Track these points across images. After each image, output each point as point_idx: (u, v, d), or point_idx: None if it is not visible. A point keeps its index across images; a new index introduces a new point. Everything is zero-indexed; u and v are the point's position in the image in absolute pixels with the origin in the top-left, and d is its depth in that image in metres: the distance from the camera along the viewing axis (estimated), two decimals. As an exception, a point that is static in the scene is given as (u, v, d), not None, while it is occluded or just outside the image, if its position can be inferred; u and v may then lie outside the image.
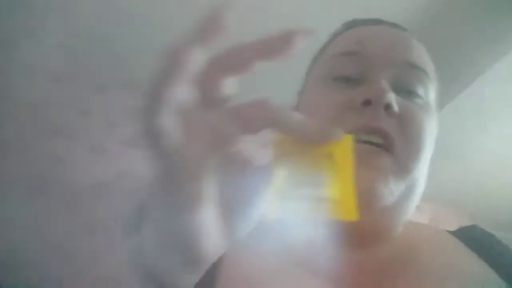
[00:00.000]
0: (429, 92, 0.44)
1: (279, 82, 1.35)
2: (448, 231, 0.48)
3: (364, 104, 0.38)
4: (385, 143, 0.38)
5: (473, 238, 0.45)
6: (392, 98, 0.38)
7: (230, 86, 0.22)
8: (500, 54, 1.42)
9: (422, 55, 0.45)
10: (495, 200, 2.42)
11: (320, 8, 1.47)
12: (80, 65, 1.82)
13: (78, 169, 1.71)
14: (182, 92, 0.20)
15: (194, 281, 0.25)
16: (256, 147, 0.27)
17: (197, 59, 0.20)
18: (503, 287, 0.38)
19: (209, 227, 0.23)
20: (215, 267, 0.41)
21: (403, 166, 0.39)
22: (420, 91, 0.43)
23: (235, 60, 0.22)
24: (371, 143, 0.37)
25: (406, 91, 0.42)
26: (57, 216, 1.59)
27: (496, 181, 2.23)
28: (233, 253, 0.42)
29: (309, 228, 0.43)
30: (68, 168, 1.69)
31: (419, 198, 0.45)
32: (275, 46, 0.21)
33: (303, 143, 0.25)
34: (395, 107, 0.38)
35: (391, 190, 0.38)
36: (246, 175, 0.24)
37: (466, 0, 1.39)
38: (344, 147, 0.26)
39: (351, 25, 0.50)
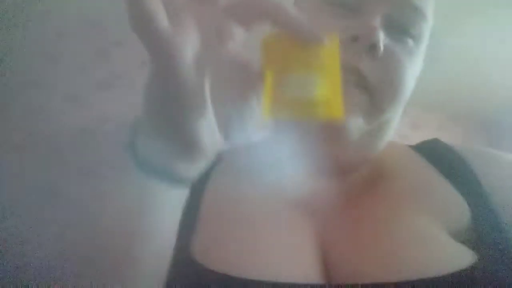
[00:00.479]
0: (423, 32, 0.42)
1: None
2: (411, 146, 0.50)
3: (351, 39, 0.37)
4: (360, 82, 0.38)
5: (434, 153, 0.46)
6: (379, 38, 0.37)
7: None
8: None
9: None
10: (473, 99, 2.49)
11: None
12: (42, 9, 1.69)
13: (57, 119, 1.68)
14: None
15: (190, 172, 0.27)
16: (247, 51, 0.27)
17: None
18: (459, 201, 0.39)
19: (207, 125, 0.24)
20: (202, 184, 0.44)
21: (377, 106, 0.40)
22: (413, 32, 0.41)
23: None
24: (347, 80, 0.36)
25: (399, 31, 0.40)
26: (44, 170, 1.59)
27: (471, 80, 2.28)
28: (220, 173, 0.46)
29: (287, 158, 0.44)
30: (47, 120, 1.65)
31: (392, 134, 0.46)
32: None
33: (293, 43, 0.26)
34: (380, 49, 0.37)
35: (360, 127, 0.39)
36: (241, 77, 0.25)
37: None
38: (332, 49, 0.27)
39: None
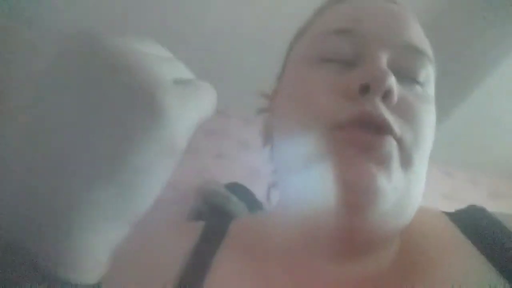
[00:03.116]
0: (430, 79, 0.39)
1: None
2: (447, 214, 0.42)
3: (361, 90, 0.33)
4: (384, 129, 0.32)
5: (473, 225, 0.38)
6: (393, 82, 0.33)
7: None
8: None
9: (423, 36, 0.40)
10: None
11: None
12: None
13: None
14: None
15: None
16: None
17: None
18: (500, 284, 0.32)
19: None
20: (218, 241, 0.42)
21: (407, 153, 0.33)
22: (421, 77, 0.37)
23: None
24: (368, 131, 0.32)
25: (405, 77, 0.36)
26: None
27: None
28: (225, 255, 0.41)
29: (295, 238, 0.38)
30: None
31: (419, 201, 0.38)
32: None
33: None
34: (395, 94, 0.33)
35: (396, 184, 0.32)
36: None
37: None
38: None
39: None
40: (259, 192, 1.53)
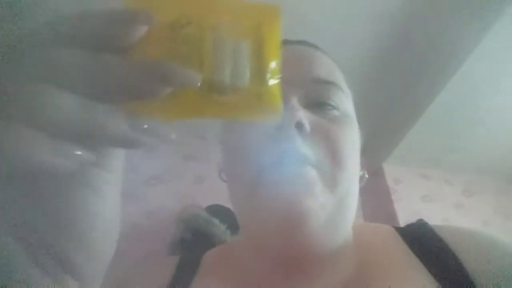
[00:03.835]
0: (343, 102, 0.44)
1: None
2: (396, 229, 0.47)
3: (277, 128, 0.37)
4: (307, 161, 0.37)
5: (418, 240, 0.43)
6: (301, 116, 0.38)
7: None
8: (498, 12, 1.41)
9: (329, 69, 0.45)
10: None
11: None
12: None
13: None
14: None
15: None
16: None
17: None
18: None
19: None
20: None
21: (329, 176, 0.38)
22: (333, 102, 0.42)
23: None
24: (295, 162, 0.37)
25: (318, 105, 0.42)
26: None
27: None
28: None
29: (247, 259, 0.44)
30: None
31: (354, 214, 0.43)
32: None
33: None
34: (306, 124, 0.38)
35: (321, 203, 0.36)
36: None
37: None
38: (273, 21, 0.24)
39: None
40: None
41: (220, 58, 0.22)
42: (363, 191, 0.46)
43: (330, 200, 0.38)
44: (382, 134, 2.09)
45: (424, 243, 0.42)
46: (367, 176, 0.47)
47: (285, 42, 0.48)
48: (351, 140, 0.42)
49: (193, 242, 1.31)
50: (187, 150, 2.08)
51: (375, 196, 2.27)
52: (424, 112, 1.88)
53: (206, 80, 0.21)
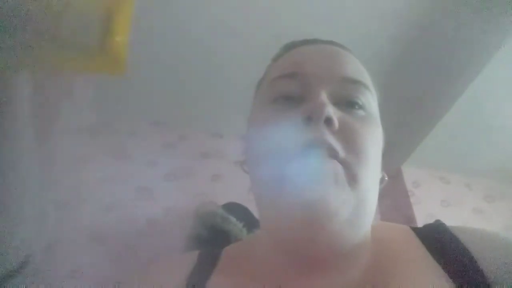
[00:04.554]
0: (370, 102, 0.45)
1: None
2: (414, 229, 0.47)
3: (306, 121, 0.39)
4: (332, 154, 0.38)
5: (435, 240, 0.43)
6: (331, 111, 0.39)
7: None
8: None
9: (358, 69, 0.47)
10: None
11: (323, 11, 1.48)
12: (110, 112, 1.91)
13: (129, 210, 1.78)
14: None
15: None
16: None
17: None
18: None
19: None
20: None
21: (352, 172, 0.39)
22: (360, 101, 0.44)
23: None
24: (322, 154, 0.38)
25: (346, 104, 0.43)
26: (116, 262, 1.65)
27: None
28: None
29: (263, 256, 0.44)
30: (120, 212, 1.76)
31: (373, 214, 0.43)
32: None
33: None
34: (335, 120, 0.39)
35: (343, 200, 0.37)
36: None
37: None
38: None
39: (290, 47, 0.52)
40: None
41: (75, 25, 0.28)
42: (382, 193, 0.46)
43: (352, 196, 0.38)
44: (401, 136, 2.07)
45: (441, 243, 0.42)
46: (386, 178, 0.48)
47: (316, 41, 0.51)
48: (376, 140, 0.43)
49: (209, 239, 1.32)
50: (204, 147, 2.09)
51: (393, 198, 2.24)
52: (443, 116, 1.85)
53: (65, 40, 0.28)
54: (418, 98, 1.90)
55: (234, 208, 1.47)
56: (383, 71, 1.75)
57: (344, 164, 0.39)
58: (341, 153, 0.39)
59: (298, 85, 0.44)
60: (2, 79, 0.29)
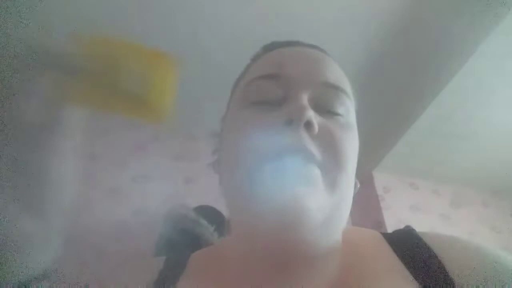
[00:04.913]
0: (349, 109, 0.45)
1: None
2: (384, 235, 0.48)
3: (286, 124, 0.39)
4: (310, 159, 0.38)
5: (404, 245, 0.44)
6: (311, 115, 0.39)
7: None
8: (488, 29, 1.44)
9: (339, 75, 0.47)
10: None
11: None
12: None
13: (97, 212, 1.73)
14: None
15: None
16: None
17: None
18: None
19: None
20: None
21: (330, 177, 0.39)
22: (340, 109, 0.44)
23: None
24: (300, 159, 0.38)
25: (326, 110, 0.43)
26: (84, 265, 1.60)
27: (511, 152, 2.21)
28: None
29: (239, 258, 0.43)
30: (89, 213, 1.71)
31: (346, 219, 0.43)
32: None
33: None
34: (315, 124, 0.39)
35: (320, 205, 0.37)
36: None
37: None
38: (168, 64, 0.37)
39: (270, 47, 0.51)
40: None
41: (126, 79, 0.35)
42: (353, 197, 0.46)
43: (328, 201, 0.38)
44: (373, 142, 2.11)
45: (409, 248, 0.43)
46: (359, 185, 0.48)
47: (297, 43, 0.50)
48: (354, 146, 0.43)
49: (180, 242, 1.30)
50: (176, 149, 2.07)
51: (364, 203, 2.28)
52: (414, 122, 1.90)
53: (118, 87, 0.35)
54: (389, 104, 1.95)
55: (206, 211, 1.46)
56: (354, 76, 1.78)
57: (323, 169, 0.38)
58: (320, 158, 0.38)
59: (278, 87, 0.43)
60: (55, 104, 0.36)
